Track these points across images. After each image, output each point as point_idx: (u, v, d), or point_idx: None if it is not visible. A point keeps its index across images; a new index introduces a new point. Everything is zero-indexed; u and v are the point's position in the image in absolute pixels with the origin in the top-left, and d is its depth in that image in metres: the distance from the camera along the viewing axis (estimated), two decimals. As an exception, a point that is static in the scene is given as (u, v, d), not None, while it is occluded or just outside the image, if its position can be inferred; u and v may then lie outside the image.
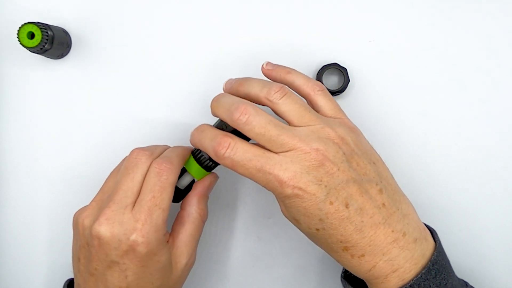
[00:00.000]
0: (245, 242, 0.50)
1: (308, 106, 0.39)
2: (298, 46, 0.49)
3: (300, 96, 0.40)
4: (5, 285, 0.50)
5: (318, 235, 0.38)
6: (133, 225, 0.38)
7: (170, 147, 0.44)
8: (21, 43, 0.44)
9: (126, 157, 0.41)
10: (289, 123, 0.38)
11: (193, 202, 0.42)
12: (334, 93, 0.47)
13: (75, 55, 0.49)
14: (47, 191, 0.50)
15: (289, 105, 0.38)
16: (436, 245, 0.39)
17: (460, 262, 0.48)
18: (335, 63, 0.47)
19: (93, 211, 0.40)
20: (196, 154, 0.42)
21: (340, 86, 0.47)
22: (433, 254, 0.38)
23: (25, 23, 0.44)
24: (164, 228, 0.39)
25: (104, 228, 0.38)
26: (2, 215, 0.50)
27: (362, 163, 0.38)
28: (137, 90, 0.50)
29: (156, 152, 0.42)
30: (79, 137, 0.50)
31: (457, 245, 0.48)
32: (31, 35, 0.44)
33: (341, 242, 0.37)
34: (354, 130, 0.40)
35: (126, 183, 0.40)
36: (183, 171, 0.43)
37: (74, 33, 0.49)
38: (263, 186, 0.37)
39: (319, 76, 0.47)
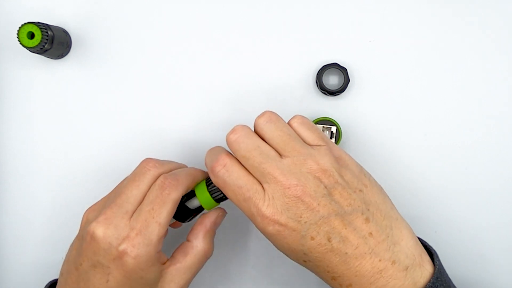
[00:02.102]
0: (245, 242, 0.50)
1: (293, 134, 0.39)
2: (298, 46, 0.49)
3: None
4: (6, 285, 0.50)
5: (306, 266, 0.39)
6: (127, 232, 0.38)
7: (186, 166, 0.44)
8: (21, 43, 0.44)
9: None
10: (276, 151, 0.38)
11: (199, 236, 0.42)
12: (334, 93, 0.47)
13: (75, 55, 0.49)
14: (47, 191, 0.50)
15: (273, 132, 0.39)
16: (434, 270, 0.38)
17: (460, 263, 0.48)
18: (335, 63, 0.47)
19: (98, 207, 0.41)
20: (209, 183, 0.42)
21: (340, 86, 0.47)
22: (429, 281, 0.37)
23: (25, 23, 0.44)
24: (158, 245, 0.39)
25: (100, 228, 0.38)
26: (2, 215, 0.50)
27: (346, 194, 0.38)
28: (137, 90, 0.49)
29: (167, 166, 0.42)
30: (79, 137, 0.50)
31: (457, 246, 0.48)
32: (31, 35, 0.44)
33: (328, 272, 0.38)
34: (339, 159, 0.39)
35: (130, 189, 0.40)
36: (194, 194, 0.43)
37: (74, 33, 0.49)
38: (248, 217, 0.38)
39: (319, 76, 0.47)
